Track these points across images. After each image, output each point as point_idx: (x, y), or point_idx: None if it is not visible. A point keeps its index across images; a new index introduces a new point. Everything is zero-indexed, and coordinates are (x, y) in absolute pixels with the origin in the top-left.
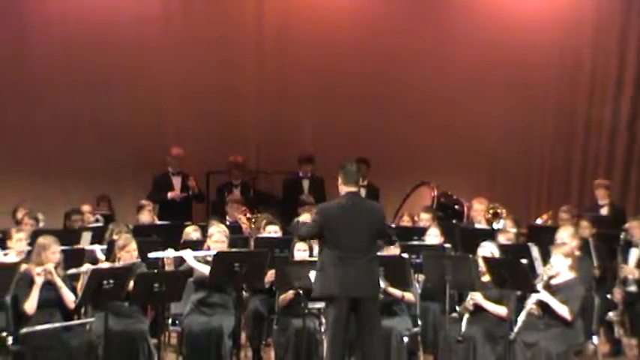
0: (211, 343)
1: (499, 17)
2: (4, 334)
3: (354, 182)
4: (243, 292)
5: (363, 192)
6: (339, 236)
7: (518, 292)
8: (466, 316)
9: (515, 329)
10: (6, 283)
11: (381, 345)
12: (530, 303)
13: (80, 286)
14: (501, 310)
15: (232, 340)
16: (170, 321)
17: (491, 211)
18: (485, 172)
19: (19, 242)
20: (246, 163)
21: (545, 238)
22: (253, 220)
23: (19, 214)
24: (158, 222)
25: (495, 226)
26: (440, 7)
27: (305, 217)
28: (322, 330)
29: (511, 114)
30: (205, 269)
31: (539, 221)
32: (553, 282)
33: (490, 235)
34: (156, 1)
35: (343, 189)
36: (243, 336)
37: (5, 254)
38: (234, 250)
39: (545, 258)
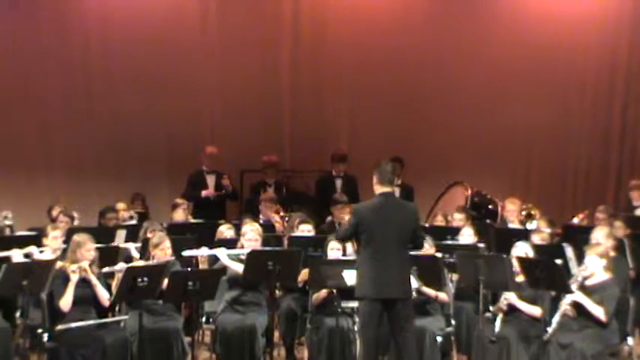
0: (245, 341)
1: (535, 19)
2: (40, 330)
3: (389, 182)
4: (277, 291)
5: (397, 191)
6: (373, 236)
7: (553, 293)
8: (500, 316)
9: (550, 330)
10: (42, 280)
11: (414, 345)
12: (565, 304)
13: (115, 283)
14: (535, 311)
15: (266, 338)
16: (204, 319)
17: (524, 213)
18: (520, 171)
19: (54, 240)
20: (281, 162)
21: (580, 239)
22: (286, 219)
23: (55, 212)
24: (192, 220)
25: (528, 226)
26: (476, 9)
27: (345, 218)
28: (355, 329)
29: (547, 114)
30: (239, 268)
31: (575, 220)
32: (588, 283)
33: (524, 235)
34: (193, 2)
35: (378, 189)
36: (276, 334)
37: (41, 252)
38: (267, 248)
39: (580, 258)
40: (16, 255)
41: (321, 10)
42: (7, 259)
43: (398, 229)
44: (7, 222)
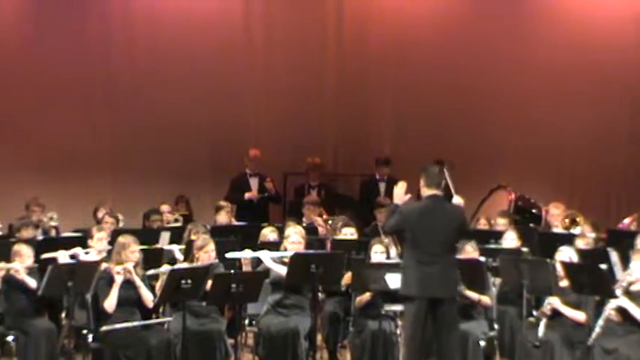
0: (287, 343)
1: (578, 19)
2: (85, 331)
3: (436, 185)
4: (320, 294)
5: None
6: (419, 238)
7: (597, 298)
8: (544, 320)
9: (594, 335)
10: (87, 282)
11: (459, 347)
12: (609, 309)
13: (159, 285)
14: (580, 316)
15: (308, 341)
16: (247, 321)
17: (567, 220)
18: (564, 175)
19: (99, 241)
20: (324, 164)
21: (625, 243)
22: (330, 222)
23: (100, 214)
24: (235, 223)
25: (573, 232)
26: (520, 9)
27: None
28: (398, 332)
29: (592, 117)
30: (282, 270)
31: (626, 221)
32: (633, 288)
33: (568, 239)
34: (237, 3)
35: (425, 191)
36: (319, 337)
37: (86, 253)
38: (310, 251)
39: (625, 263)
40: (62, 256)
41: (364, 11)
42: (53, 260)
43: (444, 232)
44: (53, 223)
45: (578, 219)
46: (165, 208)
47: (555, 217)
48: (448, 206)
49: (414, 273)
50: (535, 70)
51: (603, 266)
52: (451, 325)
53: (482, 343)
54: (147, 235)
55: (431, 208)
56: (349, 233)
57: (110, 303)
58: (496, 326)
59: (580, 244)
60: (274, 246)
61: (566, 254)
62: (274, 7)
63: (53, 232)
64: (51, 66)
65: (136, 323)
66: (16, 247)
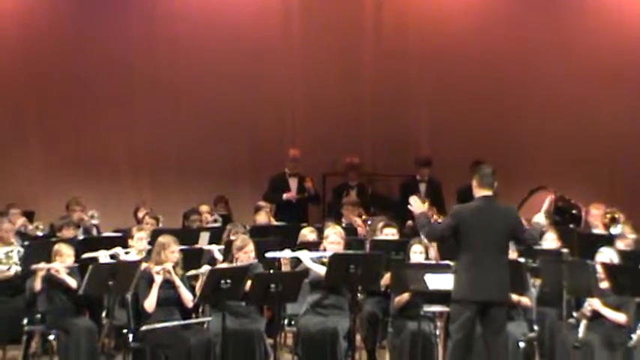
0: (326, 344)
1: (623, 17)
2: (125, 330)
3: (489, 185)
4: (359, 294)
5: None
6: (472, 240)
7: (638, 299)
8: (584, 322)
9: (635, 337)
10: (127, 281)
11: (506, 351)
12: None
13: (198, 285)
14: (620, 317)
15: (347, 341)
16: (286, 321)
17: (608, 216)
18: (604, 175)
19: (139, 241)
20: (363, 165)
21: None
22: (369, 223)
23: (140, 214)
24: (275, 223)
25: (613, 231)
26: (564, 6)
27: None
28: (437, 333)
29: (632, 116)
30: (321, 270)
31: None
32: None
33: (608, 240)
34: (276, 4)
35: (478, 192)
36: (358, 338)
37: (127, 253)
38: (350, 251)
39: None
40: (103, 256)
41: (403, 10)
42: (94, 259)
43: (498, 233)
44: (94, 221)
45: (617, 216)
46: (204, 208)
47: (596, 217)
48: (501, 207)
49: (467, 275)
50: (577, 69)
51: None
52: (500, 329)
53: (522, 345)
54: (186, 236)
55: (483, 209)
56: (390, 234)
57: (150, 303)
58: (536, 327)
59: (620, 245)
60: (313, 246)
61: (606, 255)
62: (313, 7)
63: (94, 231)
64: (89, 66)
65: (175, 323)
66: (57, 247)
